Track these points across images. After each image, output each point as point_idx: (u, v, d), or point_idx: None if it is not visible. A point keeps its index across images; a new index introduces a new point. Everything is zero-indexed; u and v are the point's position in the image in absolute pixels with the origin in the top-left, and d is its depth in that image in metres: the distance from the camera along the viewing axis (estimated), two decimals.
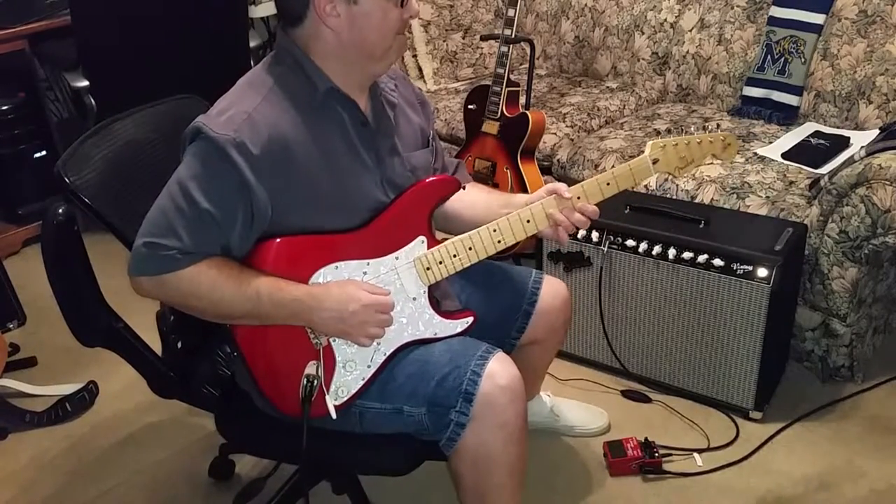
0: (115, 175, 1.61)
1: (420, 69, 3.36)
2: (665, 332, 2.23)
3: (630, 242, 2.19)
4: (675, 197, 2.43)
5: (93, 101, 2.96)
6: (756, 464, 2.06)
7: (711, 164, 2.46)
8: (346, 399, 1.48)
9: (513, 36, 2.69)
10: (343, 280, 1.44)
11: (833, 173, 2.13)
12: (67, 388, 2.40)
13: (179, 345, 1.68)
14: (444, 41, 3.39)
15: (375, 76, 1.48)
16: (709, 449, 2.11)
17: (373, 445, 1.53)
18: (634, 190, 2.46)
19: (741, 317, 2.08)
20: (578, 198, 1.54)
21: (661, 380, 2.30)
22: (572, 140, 2.87)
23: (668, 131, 1.59)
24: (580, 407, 2.21)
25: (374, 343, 1.47)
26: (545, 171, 2.81)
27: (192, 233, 1.34)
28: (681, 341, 2.21)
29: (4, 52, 3.04)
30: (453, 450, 1.46)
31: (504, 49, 2.66)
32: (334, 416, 1.45)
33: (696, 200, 2.39)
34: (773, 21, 2.77)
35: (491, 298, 1.72)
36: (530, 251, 2.57)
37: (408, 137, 1.57)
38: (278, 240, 1.41)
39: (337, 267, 1.44)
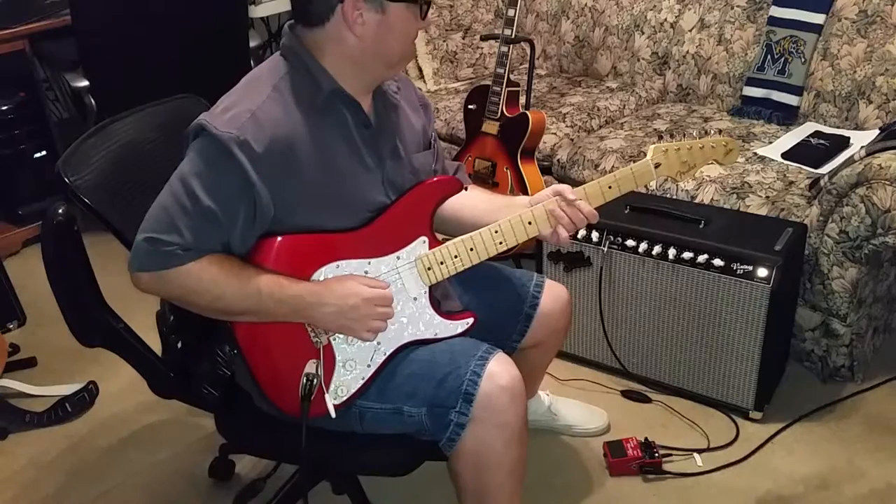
0: (115, 175, 1.61)
1: (420, 69, 3.36)
2: (665, 332, 2.23)
3: (630, 242, 2.19)
4: (675, 197, 2.43)
5: (93, 101, 2.96)
6: (756, 464, 2.06)
7: (711, 163, 2.46)
8: (345, 398, 1.48)
9: (513, 36, 2.68)
10: (342, 276, 1.44)
11: (833, 173, 2.13)
12: (67, 388, 2.40)
13: (179, 345, 1.68)
14: (444, 41, 3.39)
15: (384, 80, 1.50)
16: (709, 449, 2.11)
17: (373, 445, 1.53)
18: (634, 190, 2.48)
19: (741, 317, 2.08)
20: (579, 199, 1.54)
21: (661, 380, 2.30)
22: (572, 140, 2.87)
23: (671, 135, 1.59)
24: (579, 406, 2.21)
25: (375, 342, 1.47)
26: (545, 171, 2.81)
27: (194, 229, 1.35)
28: (681, 341, 2.21)
29: (4, 52, 3.04)
30: (453, 450, 1.46)
31: (504, 49, 2.66)
32: (333, 414, 1.45)
33: (696, 200, 2.39)
34: (773, 21, 2.76)
35: (492, 302, 1.72)
36: (530, 251, 2.57)
37: (409, 139, 1.58)
38: (280, 238, 1.41)
39: (338, 266, 1.44)
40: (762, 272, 2.01)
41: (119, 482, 2.12)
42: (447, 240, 1.51)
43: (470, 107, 2.78)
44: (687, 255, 2.11)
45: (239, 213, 1.36)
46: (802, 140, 2.56)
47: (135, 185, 1.61)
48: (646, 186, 2.48)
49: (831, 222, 2.12)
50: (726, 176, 2.40)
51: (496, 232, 1.51)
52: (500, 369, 1.44)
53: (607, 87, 3.22)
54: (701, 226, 2.17)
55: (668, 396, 2.28)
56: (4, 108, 3.16)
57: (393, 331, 1.48)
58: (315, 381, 1.43)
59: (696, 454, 2.09)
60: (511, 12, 2.68)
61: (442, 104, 3.16)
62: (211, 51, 3.01)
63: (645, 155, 1.59)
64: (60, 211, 1.48)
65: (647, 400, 2.29)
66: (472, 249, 1.50)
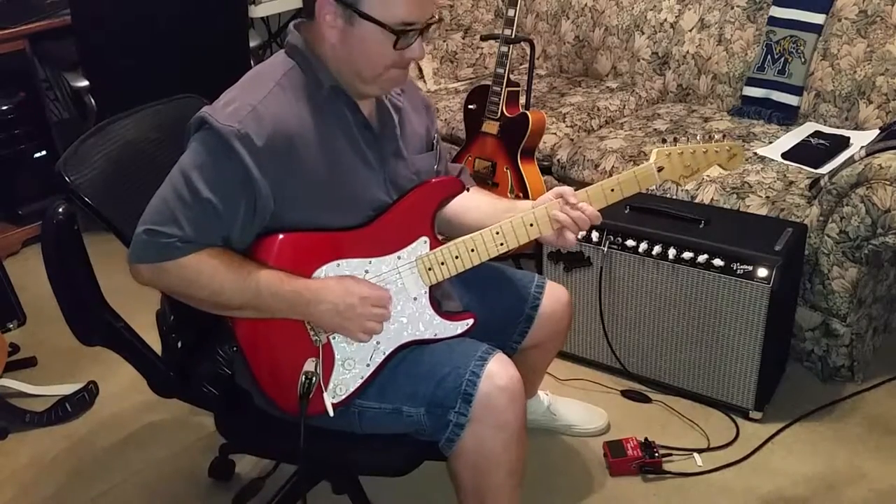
0: (115, 175, 1.61)
1: (420, 69, 3.36)
2: (665, 332, 2.23)
3: (630, 242, 2.19)
4: (675, 197, 2.43)
5: (93, 101, 2.96)
6: (756, 464, 2.06)
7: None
8: (344, 397, 1.48)
9: (513, 36, 2.68)
10: (342, 275, 1.44)
11: (833, 173, 2.13)
12: (67, 388, 2.40)
13: (179, 344, 1.68)
14: (444, 41, 3.39)
15: (366, 95, 1.46)
16: (709, 449, 2.11)
17: (372, 445, 1.53)
18: None
19: (741, 317, 2.08)
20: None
21: (661, 380, 2.30)
22: (572, 140, 2.87)
23: (675, 140, 1.58)
24: (579, 406, 2.21)
25: (374, 342, 1.47)
26: (545, 171, 2.81)
27: (194, 222, 1.35)
28: (681, 341, 2.21)
29: (4, 52, 3.04)
30: (452, 450, 1.46)
31: (504, 49, 2.66)
32: (332, 413, 1.45)
33: (696, 200, 2.39)
34: (773, 21, 2.77)
35: (493, 303, 1.72)
36: (530, 252, 2.57)
37: (412, 141, 1.58)
38: (281, 235, 1.41)
39: (339, 264, 1.44)
40: (762, 272, 2.01)
41: (119, 482, 2.12)
42: (448, 240, 1.51)
43: (470, 107, 2.78)
44: (687, 255, 2.11)
45: (239, 206, 1.36)
46: (802, 140, 2.56)
47: (135, 184, 1.61)
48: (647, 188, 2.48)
49: (831, 222, 2.12)
50: (726, 176, 2.40)
51: (497, 233, 1.50)
52: (499, 370, 1.44)
53: (607, 87, 3.22)
54: (701, 226, 2.17)
55: (668, 396, 2.28)
56: (4, 108, 3.16)
57: (392, 330, 1.48)
58: (314, 379, 1.43)
59: (695, 454, 2.09)
60: (511, 12, 2.68)
61: (442, 104, 3.16)
62: (211, 51, 3.01)
63: (646, 156, 1.58)
64: (60, 210, 1.48)
65: (647, 400, 2.29)
66: (472, 250, 1.50)
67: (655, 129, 2.76)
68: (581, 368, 2.42)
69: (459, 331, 1.53)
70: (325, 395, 1.45)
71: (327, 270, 1.44)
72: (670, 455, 2.08)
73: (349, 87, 1.43)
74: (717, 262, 2.07)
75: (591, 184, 1.56)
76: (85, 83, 2.96)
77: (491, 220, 1.54)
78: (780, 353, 2.31)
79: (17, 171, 3.25)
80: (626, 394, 2.31)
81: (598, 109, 3.02)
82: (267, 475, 2.01)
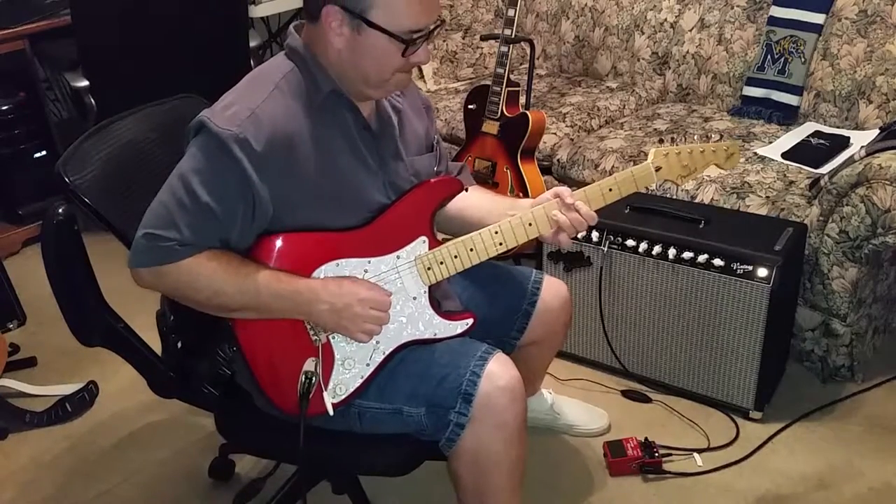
0: (115, 175, 1.61)
1: (420, 69, 3.36)
2: (665, 332, 2.23)
3: (630, 242, 2.19)
4: (675, 197, 2.43)
5: (93, 101, 2.96)
6: (756, 464, 2.06)
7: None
8: (344, 397, 1.48)
9: (513, 36, 2.68)
10: (343, 276, 1.44)
11: (833, 173, 2.13)
12: (67, 388, 2.40)
13: (179, 345, 1.68)
14: (444, 41, 3.39)
15: (370, 98, 1.47)
16: (709, 449, 2.11)
17: (373, 445, 1.53)
18: None
19: (741, 317, 2.08)
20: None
21: (661, 380, 2.30)
22: (572, 140, 2.87)
23: (672, 140, 1.58)
24: (581, 406, 2.21)
25: (374, 342, 1.47)
26: (545, 171, 2.81)
27: (192, 226, 1.35)
28: (681, 341, 2.21)
29: (4, 52, 3.04)
30: (452, 450, 1.46)
31: (504, 49, 2.66)
32: (332, 413, 1.45)
33: (696, 200, 2.39)
34: (773, 21, 2.77)
35: (491, 298, 1.72)
36: (530, 251, 2.57)
37: (411, 142, 1.58)
38: (280, 236, 1.41)
39: (338, 265, 1.44)
40: (762, 272, 2.01)
41: (119, 482, 2.12)
42: (447, 240, 1.51)
43: (470, 107, 2.78)
44: (687, 255, 2.11)
45: (237, 210, 1.36)
46: (802, 140, 2.56)
47: (135, 184, 1.61)
48: (646, 186, 2.48)
49: (831, 222, 2.12)
50: (726, 176, 2.40)
51: (496, 233, 1.51)
52: (499, 369, 1.44)
53: (607, 87, 3.22)
54: (701, 226, 2.17)
55: (668, 396, 2.28)
56: (4, 107, 3.16)
57: (392, 330, 1.48)
58: (314, 379, 1.43)
59: (696, 454, 2.09)
60: (511, 12, 2.68)
61: (442, 104, 3.16)
62: (211, 51, 3.01)
63: (645, 156, 1.59)
64: (60, 211, 1.48)
65: (647, 400, 2.29)
66: (471, 250, 1.50)
67: (655, 129, 2.76)
68: (581, 368, 2.42)
69: (459, 330, 1.53)
70: (325, 394, 1.45)
71: (326, 270, 1.44)
72: (670, 455, 2.08)
73: (351, 91, 1.43)
74: (717, 262, 2.07)
75: (590, 184, 1.56)
76: (85, 83, 2.96)
77: (492, 218, 1.54)
78: (780, 353, 2.31)
79: (17, 171, 3.25)
80: (626, 394, 2.31)
81: (598, 109, 3.02)
82: (267, 475, 2.01)
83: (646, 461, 2.03)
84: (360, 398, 1.49)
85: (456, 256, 1.50)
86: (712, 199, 2.37)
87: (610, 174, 2.54)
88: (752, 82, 2.82)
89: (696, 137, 1.60)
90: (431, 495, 1.95)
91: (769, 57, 2.77)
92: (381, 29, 1.34)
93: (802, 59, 2.70)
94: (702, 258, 2.09)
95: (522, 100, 2.75)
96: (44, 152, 3.27)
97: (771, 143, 2.60)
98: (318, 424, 1.47)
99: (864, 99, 2.58)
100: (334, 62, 1.40)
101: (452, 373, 1.44)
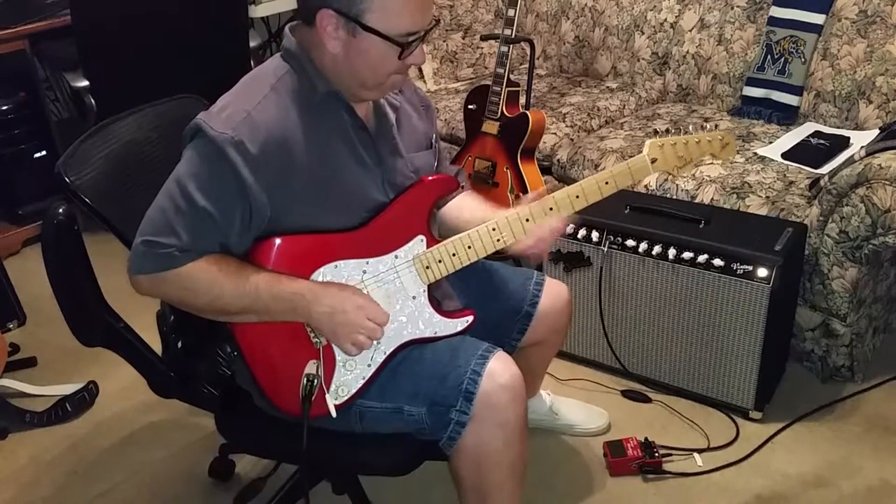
0: (115, 175, 1.61)
1: (420, 69, 3.36)
2: (665, 332, 2.23)
3: (630, 242, 2.19)
4: (675, 197, 2.43)
5: (93, 101, 2.96)
6: (756, 464, 2.06)
7: (711, 164, 2.46)
8: (346, 398, 1.48)
9: (513, 36, 2.68)
10: (344, 284, 1.44)
11: (833, 173, 2.13)
12: (67, 388, 2.40)
13: (180, 345, 1.68)
14: (444, 41, 3.39)
15: (366, 100, 1.48)
16: (709, 449, 2.11)
17: (373, 445, 1.53)
18: (634, 190, 2.48)
19: (741, 317, 2.08)
20: (577, 197, 1.53)
21: (661, 380, 2.30)
22: (572, 140, 2.87)
23: (667, 131, 1.59)
24: (580, 406, 2.21)
25: (374, 342, 1.47)
26: (545, 171, 2.81)
27: (191, 231, 1.35)
28: (681, 341, 2.21)
29: (4, 52, 3.04)
30: (453, 449, 1.46)
31: (504, 49, 2.66)
32: (334, 414, 1.45)
33: (696, 200, 2.39)
34: (773, 21, 2.76)
35: (492, 300, 1.72)
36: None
37: (410, 139, 1.58)
38: (278, 239, 1.41)
39: (336, 266, 1.44)
40: (762, 272, 2.01)
41: (119, 482, 2.12)
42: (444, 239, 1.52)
43: (470, 107, 2.78)
44: (687, 255, 2.11)
45: (235, 213, 1.36)
46: (802, 140, 2.56)
47: (135, 184, 1.61)
48: (646, 186, 2.49)
49: (831, 222, 2.12)
50: (726, 176, 2.40)
51: (493, 229, 1.51)
52: (500, 368, 1.44)
53: (607, 87, 3.22)
54: (701, 226, 2.17)
55: (668, 396, 2.28)
56: (4, 108, 3.16)
57: (392, 330, 1.48)
58: (315, 381, 1.43)
59: (696, 454, 2.09)
60: (511, 12, 2.68)
61: (442, 104, 3.16)
62: (211, 51, 3.01)
63: (642, 152, 1.59)
64: (61, 211, 1.48)
65: (647, 400, 2.29)
66: (469, 247, 1.50)
67: (655, 129, 2.75)
68: (581, 368, 2.42)
69: (459, 328, 1.53)
70: (327, 396, 1.45)
71: (325, 272, 1.44)
72: (670, 455, 2.08)
73: (347, 92, 1.43)
74: (717, 262, 2.07)
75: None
76: (85, 83, 2.96)
77: (470, 221, 1.54)
78: (780, 353, 2.31)
79: (17, 171, 3.25)
80: (626, 394, 2.31)
81: (598, 109, 3.02)
82: (267, 475, 2.01)
83: (646, 461, 2.03)
84: (361, 398, 1.49)
85: (454, 254, 1.50)
86: (712, 199, 2.37)
87: None
88: (752, 82, 2.82)
89: (690, 128, 1.60)
90: (431, 495, 1.95)
91: (769, 57, 2.77)
92: (376, 32, 1.33)
93: (802, 60, 2.70)
94: (702, 258, 2.09)
95: (522, 100, 2.75)
96: (44, 152, 3.27)
97: (771, 143, 2.60)
98: (318, 425, 1.47)
99: (864, 99, 2.58)
100: (330, 65, 1.40)
101: (453, 371, 1.44)
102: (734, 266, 2.05)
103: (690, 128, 1.60)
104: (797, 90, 2.73)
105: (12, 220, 3.29)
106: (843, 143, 2.49)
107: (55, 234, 1.49)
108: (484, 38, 3.19)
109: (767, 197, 2.31)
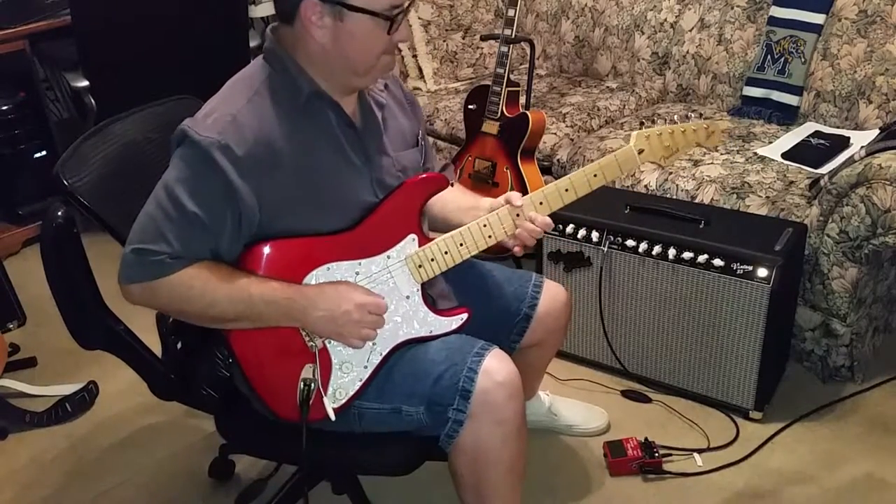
0: (114, 176, 1.61)
1: (420, 69, 3.36)
2: (665, 332, 2.23)
3: (630, 242, 2.19)
4: (675, 197, 2.43)
5: (93, 101, 2.96)
6: (756, 464, 2.06)
7: (711, 163, 2.46)
8: (344, 401, 1.47)
9: (513, 36, 2.68)
10: (337, 281, 1.44)
11: (833, 173, 2.13)
12: (67, 389, 2.40)
13: (179, 346, 1.68)
14: (444, 41, 3.39)
15: (359, 88, 1.48)
16: (709, 449, 2.11)
17: (373, 445, 1.53)
18: (634, 189, 2.48)
19: (741, 317, 2.08)
20: (567, 190, 1.53)
21: (661, 380, 2.30)
22: (572, 140, 2.87)
23: (653, 121, 1.59)
24: (579, 406, 2.21)
25: (370, 343, 1.47)
26: (545, 171, 2.81)
27: (181, 237, 1.34)
28: (681, 341, 2.21)
29: (4, 52, 3.04)
30: (452, 447, 1.46)
31: (504, 49, 2.66)
32: (333, 418, 1.45)
33: (696, 200, 2.39)
34: (773, 21, 2.76)
35: (491, 302, 1.72)
36: (530, 251, 2.56)
37: (397, 137, 1.57)
38: (268, 243, 1.41)
39: (329, 268, 1.44)
40: (762, 272, 2.01)
41: (119, 482, 2.12)
42: (436, 236, 1.51)
43: (470, 107, 2.78)
44: (687, 255, 2.11)
45: (225, 217, 1.35)
46: (802, 140, 2.55)
47: (134, 185, 1.60)
48: (646, 186, 2.48)
49: (831, 222, 2.11)
50: (726, 176, 2.40)
51: (485, 226, 1.51)
52: (496, 365, 1.44)
53: (607, 87, 3.22)
54: (701, 226, 2.17)
55: (668, 396, 2.28)
56: (4, 108, 3.16)
57: (388, 330, 1.48)
58: (312, 385, 1.43)
59: (696, 454, 2.09)
60: (511, 12, 2.68)
61: (442, 104, 3.16)
62: (211, 51, 3.01)
63: (629, 143, 1.59)
64: (60, 213, 1.48)
65: (647, 400, 2.29)
66: (461, 245, 1.50)
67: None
68: (581, 368, 2.42)
69: (454, 326, 1.53)
70: (325, 400, 1.45)
71: (317, 275, 1.43)
72: (670, 455, 2.08)
73: (337, 86, 1.43)
74: (717, 262, 2.07)
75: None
76: (85, 83, 2.96)
77: (457, 214, 1.55)
78: (780, 354, 2.30)
79: (17, 171, 3.25)
80: (626, 394, 2.31)
81: (598, 109, 3.02)
82: (268, 476, 2.01)
83: (646, 461, 2.03)
84: (358, 399, 1.49)
85: (446, 252, 1.50)
86: (712, 199, 2.36)
87: None
88: (752, 82, 2.82)
89: (675, 118, 1.61)
90: (431, 495, 1.95)
91: (769, 57, 2.76)
92: (363, 10, 1.33)
93: (802, 60, 2.70)
94: (702, 258, 2.09)
95: (522, 100, 2.75)
96: (44, 152, 3.28)
97: (771, 143, 2.60)
98: (317, 426, 1.46)
99: (864, 99, 2.58)
100: (318, 58, 1.39)
101: (450, 369, 1.44)
102: (734, 266, 2.05)
103: (676, 118, 1.61)
104: (797, 90, 2.72)
105: (12, 220, 3.29)
106: (843, 143, 2.49)
107: (54, 237, 1.49)
108: (484, 38, 3.18)
109: (767, 197, 2.31)
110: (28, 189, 3.27)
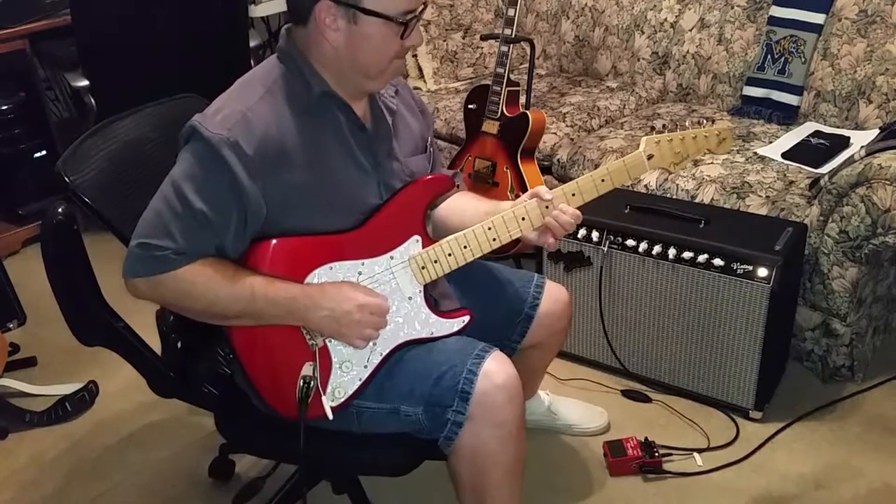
0: (115, 175, 1.61)
1: (420, 69, 3.36)
2: (665, 332, 2.23)
3: (630, 242, 2.19)
4: (675, 197, 2.43)
5: (93, 101, 2.96)
6: (756, 464, 2.06)
7: (711, 163, 2.46)
8: (343, 400, 1.47)
9: (513, 36, 2.68)
10: (340, 281, 1.44)
11: (833, 173, 2.13)
12: (67, 388, 2.40)
13: (179, 344, 1.68)
14: (444, 41, 3.39)
15: (370, 91, 1.48)
16: (709, 449, 2.11)
17: (372, 445, 1.53)
18: (634, 189, 2.48)
19: (741, 317, 2.08)
20: (574, 195, 1.53)
21: (661, 380, 2.30)
22: (572, 140, 2.87)
23: (664, 127, 1.59)
24: (579, 405, 2.21)
25: (370, 343, 1.46)
26: (545, 170, 2.81)
27: (187, 233, 1.34)
28: (681, 341, 2.21)
29: (4, 52, 3.04)
30: (451, 448, 1.46)
31: (504, 49, 2.66)
32: (331, 417, 1.45)
33: (696, 200, 2.39)
34: (773, 21, 2.76)
35: (493, 303, 1.72)
36: (530, 251, 2.57)
37: (406, 143, 1.57)
38: (273, 241, 1.41)
39: (331, 267, 1.44)
40: (762, 272, 2.01)
41: (119, 482, 2.12)
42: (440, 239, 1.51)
43: (470, 106, 2.78)
44: (687, 254, 2.11)
45: (231, 214, 1.35)
46: (802, 140, 2.55)
47: (135, 184, 1.61)
48: (646, 186, 2.48)
49: (831, 222, 2.12)
50: (726, 176, 2.40)
51: (489, 229, 1.50)
52: (496, 368, 1.44)
53: (607, 86, 3.22)
54: (701, 226, 2.17)
55: (668, 396, 2.28)
56: (4, 107, 3.16)
57: (389, 331, 1.48)
58: (312, 383, 1.43)
59: (696, 454, 2.09)
60: (511, 12, 2.68)
61: (442, 104, 3.16)
62: (211, 51, 3.01)
63: (639, 148, 1.59)
64: (60, 211, 1.48)
65: (647, 400, 2.29)
66: (465, 247, 1.50)
67: (652, 126, 2.75)
68: (581, 368, 2.42)
69: (456, 328, 1.53)
70: (323, 398, 1.45)
71: (320, 274, 1.43)
72: (670, 455, 2.08)
73: (348, 88, 1.43)
74: (717, 261, 2.07)
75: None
76: (85, 83, 2.96)
77: (475, 221, 1.53)
78: (780, 353, 2.30)
79: (17, 171, 3.25)
80: (626, 394, 2.31)
81: (598, 109, 3.02)
82: (267, 475, 2.01)
83: (646, 461, 2.03)
84: (358, 399, 1.49)
85: (450, 254, 1.50)
86: (712, 199, 2.36)
87: None
88: (752, 82, 2.82)
89: (687, 123, 1.60)
90: (431, 495, 1.95)
91: (769, 57, 2.77)
92: (377, 14, 1.34)
93: (802, 59, 2.70)
94: (702, 258, 2.09)
95: (522, 99, 2.75)
96: (44, 152, 3.28)
97: (771, 143, 2.60)
98: (317, 425, 1.46)
99: (864, 99, 2.58)
100: (331, 60, 1.40)
101: (449, 371, 1.44)
102: (734, 266, 2.05)
103: (687, 122, 1.60)
104: (797, 90, 2.72)
105: (12, 220, 3.29)
106: (843, 142, 2.49)
107: (55, 234, 1.49)
108: (484, 38, 3.18)
109: (767, 197, 2.31)
110: (28, 189, 3.28)
